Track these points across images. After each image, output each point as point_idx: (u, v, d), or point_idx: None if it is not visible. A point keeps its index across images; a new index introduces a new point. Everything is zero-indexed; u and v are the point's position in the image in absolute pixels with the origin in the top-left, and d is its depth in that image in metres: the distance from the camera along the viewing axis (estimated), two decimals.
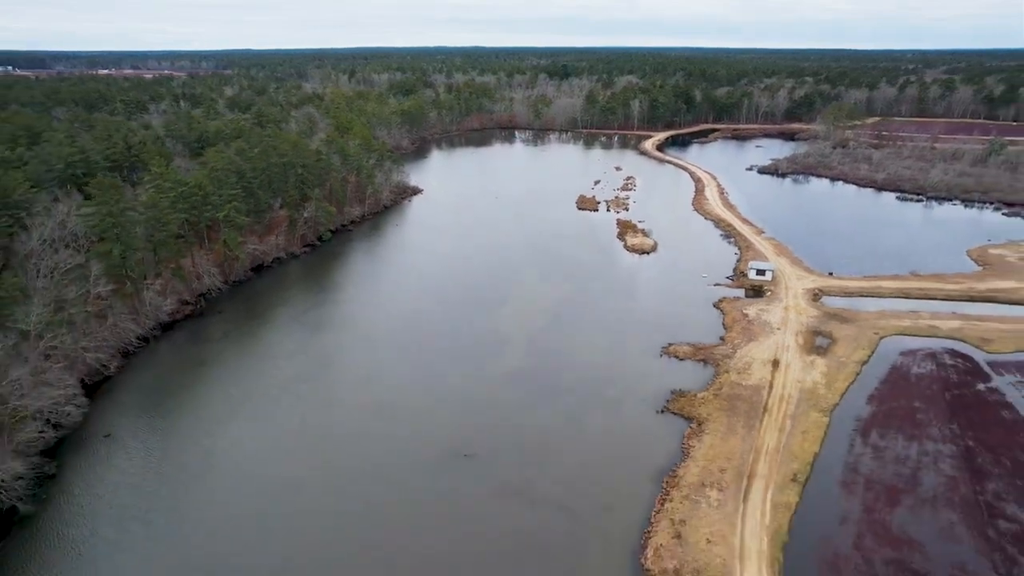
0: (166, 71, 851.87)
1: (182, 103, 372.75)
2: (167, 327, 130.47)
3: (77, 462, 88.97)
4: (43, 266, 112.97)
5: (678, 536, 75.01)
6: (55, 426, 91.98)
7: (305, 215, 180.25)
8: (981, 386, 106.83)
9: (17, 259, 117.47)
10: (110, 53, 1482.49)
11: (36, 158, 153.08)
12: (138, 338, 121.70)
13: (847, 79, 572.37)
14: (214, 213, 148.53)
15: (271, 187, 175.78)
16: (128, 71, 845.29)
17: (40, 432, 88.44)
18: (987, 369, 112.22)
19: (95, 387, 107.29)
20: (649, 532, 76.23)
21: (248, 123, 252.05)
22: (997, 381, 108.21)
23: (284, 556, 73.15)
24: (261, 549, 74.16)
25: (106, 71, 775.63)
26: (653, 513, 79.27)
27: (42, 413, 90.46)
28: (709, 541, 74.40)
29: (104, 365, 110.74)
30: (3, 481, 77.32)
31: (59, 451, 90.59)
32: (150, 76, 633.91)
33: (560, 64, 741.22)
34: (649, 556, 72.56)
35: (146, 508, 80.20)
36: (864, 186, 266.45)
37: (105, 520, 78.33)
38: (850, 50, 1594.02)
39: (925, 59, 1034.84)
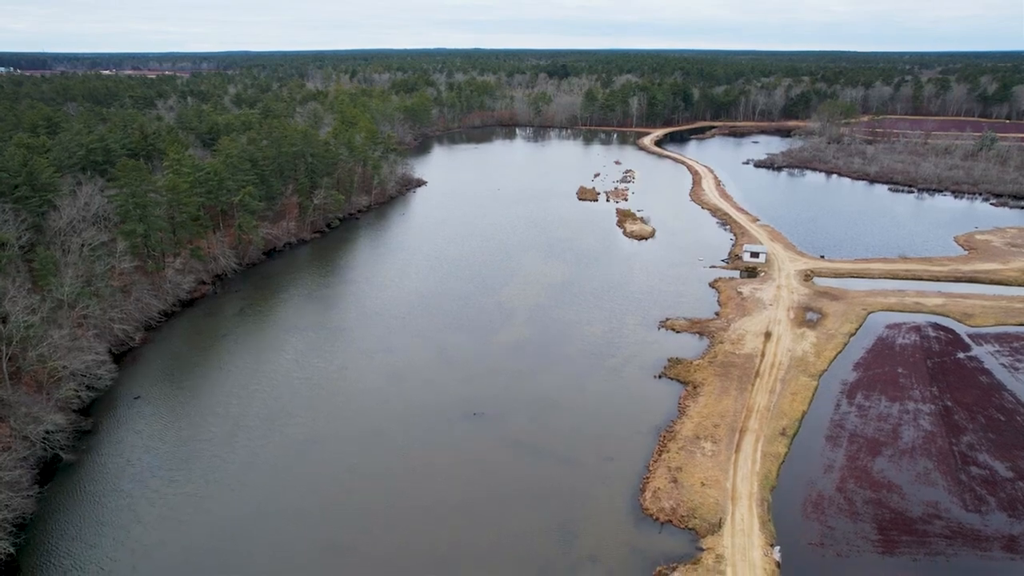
0: (167, 71, 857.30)
1: (189, 99, 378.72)
2: (186, 304, 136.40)
3: (110, 420, 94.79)
4: (72, 243, 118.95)
5: (675, 481, 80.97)
6: (89, 388, 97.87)
7: (315, 202, 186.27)
8: (961, 355, 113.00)
9: (48, 236, 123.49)
10: (111, 55, 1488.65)
11: (58, 145, 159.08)
12: (160, 313, 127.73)
13: (843, 78, 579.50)
14: (230, 197, 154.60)
15: (282, 175, 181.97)
16: (129, 71, 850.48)
17: (76, 392, 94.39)
18: (968, 340, 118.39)
19: (121, 356, 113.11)
20: (648, 478, 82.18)
21: (256, 117, 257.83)
22: (977, 350, 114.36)
23: (305, 505, 79.01)
24: (285, 499, 79.73)
25: (108, 72, 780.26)
26: (651, 462, 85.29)
27: (77, 375, 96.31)
28: (703, 485, 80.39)
29: (130, 336, 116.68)
30: (48, 432, 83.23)
31: (93, 410, 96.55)
32: (153, 76, 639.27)
33: (560, 64, 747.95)
34: (648, 498, 78.53)
35: (170, 466, 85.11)
36: (857, 179, 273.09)
37: (129, 476, 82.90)
38: (848, 52, 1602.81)
39: (922, 60, 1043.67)
